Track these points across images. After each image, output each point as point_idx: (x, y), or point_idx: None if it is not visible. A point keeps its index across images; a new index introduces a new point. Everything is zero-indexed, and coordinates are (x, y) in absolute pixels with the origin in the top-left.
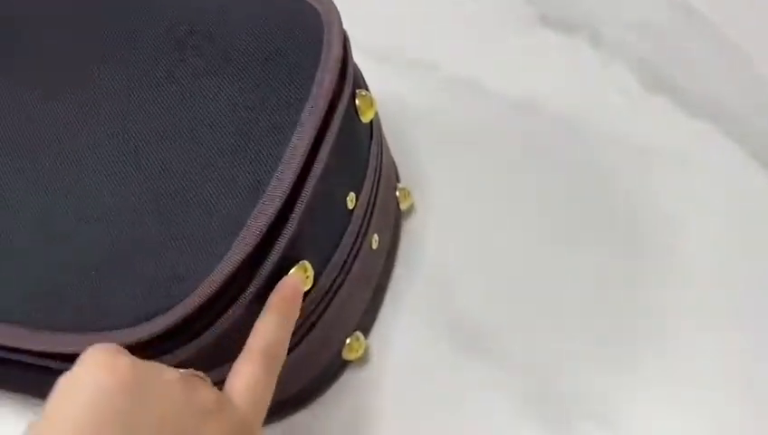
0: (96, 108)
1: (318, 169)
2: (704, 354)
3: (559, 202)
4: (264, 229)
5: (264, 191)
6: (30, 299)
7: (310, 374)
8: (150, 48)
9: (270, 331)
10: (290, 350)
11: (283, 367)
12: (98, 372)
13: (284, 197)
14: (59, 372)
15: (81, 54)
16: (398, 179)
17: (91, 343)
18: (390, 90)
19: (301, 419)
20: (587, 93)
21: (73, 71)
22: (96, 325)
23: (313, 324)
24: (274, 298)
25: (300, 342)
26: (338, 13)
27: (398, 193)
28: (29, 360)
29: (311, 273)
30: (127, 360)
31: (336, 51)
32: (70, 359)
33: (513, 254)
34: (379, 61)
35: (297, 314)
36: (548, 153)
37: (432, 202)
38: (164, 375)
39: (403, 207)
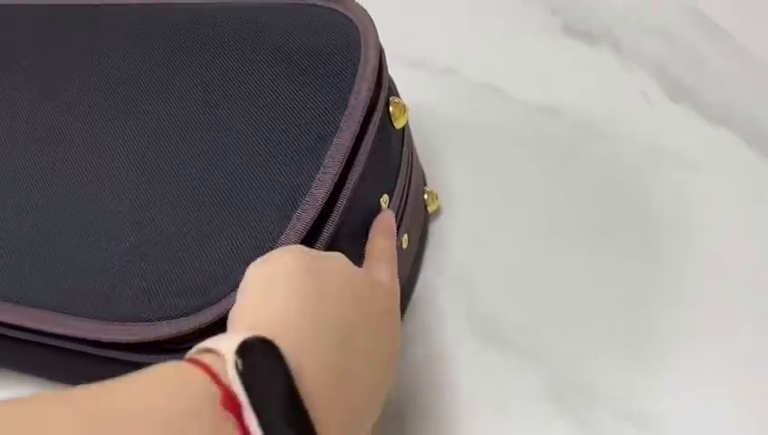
0: (130, 106)
1: (355, 173)
2: (719, 353)
3: (580, 204)
4: (306, 230)
5: (305, 193)
6: (77, 291)
7: None
8: (187, 53)
9: (384, 243)
10: None
11: None
12: (286, 262)
13: (325, 198)
14: (99, 359)
15: (111, 56)
16: (425, 183)
17: (133, 334)
18: (418, 96)
19: None
20: (610, 100)
21: (102, 71)
22: (143, 316)
23: None
24: (378, 225)
25: None
26: (373, 24)
27: (425, 196)
28: (71, 346)
29: None
30: (303, 249)
31: (372, 61)
32: (114, 346)
33: (535, 254)
34: (408, 68)
35: (394, 235)
36: (571, 158)
37: (458, 204)
38: (333, 257)
39: (431, 209)
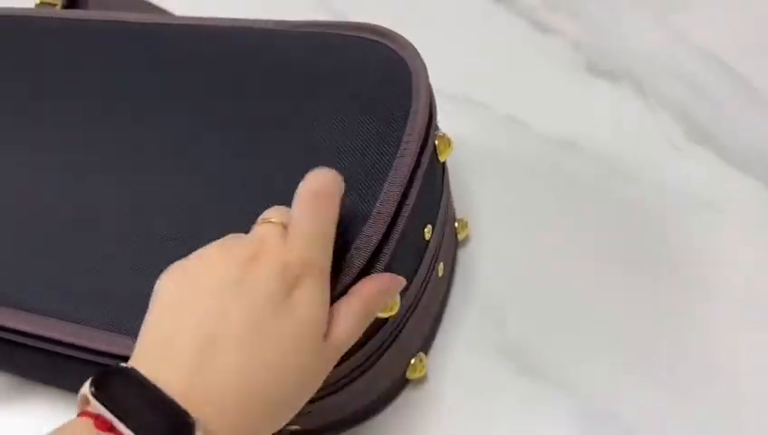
0: (187, 139)
1: (408, 207)
2: (743, 387)
3: (603, 238)
4: (362, 266)
5: (363, 227)
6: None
7: (376, 393)
8: (226, 80)
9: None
10: (362, 372)
11: (352, 389)
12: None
13: (380, 236)
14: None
15: (179, 88)
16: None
17: None
18: (447, 126)
19: (361, 433)
20: (630, 139)
21: (167, 100)
22: None
23: (388, 347)
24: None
25: (373, 365)
26: (422, 60)
27: (456, 224)
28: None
29: (397, 298)
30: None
31: (424, 98)
32: None
33: (559, 281)
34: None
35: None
36: (592, 192)
37: (483, 232)
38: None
39: (460, 237)
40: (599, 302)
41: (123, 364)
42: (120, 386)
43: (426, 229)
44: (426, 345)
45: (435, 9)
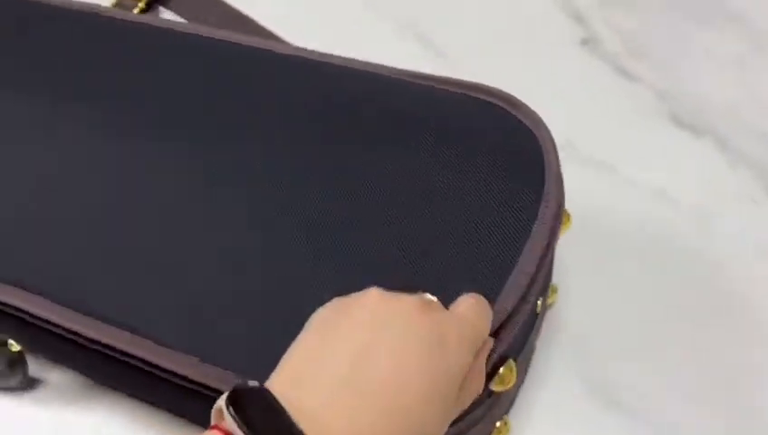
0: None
1: (540, 281)
2: None
3: (679, 283)
4: (495, 331)
5: (495, 299)
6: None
7: None
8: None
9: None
10: None
11: None
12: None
13: (514, 304)
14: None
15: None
16: None
17: None
18: None
19: None
20: (711, 191)
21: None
22: None
23: (484, 415)
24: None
25: (468, 430)
26: (549, 130)
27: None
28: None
29: (515, 371)
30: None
31: (555, 168)
32: None
33: (638, 325)
34: None
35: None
36: (675, 242)
37: (571, 273)
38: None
39: (549, 301)
40: (675, 344)
41: (261, 385)
42: (257, 409)
43: (538, 301)
44: (510, 407)
45: (518, 47)
